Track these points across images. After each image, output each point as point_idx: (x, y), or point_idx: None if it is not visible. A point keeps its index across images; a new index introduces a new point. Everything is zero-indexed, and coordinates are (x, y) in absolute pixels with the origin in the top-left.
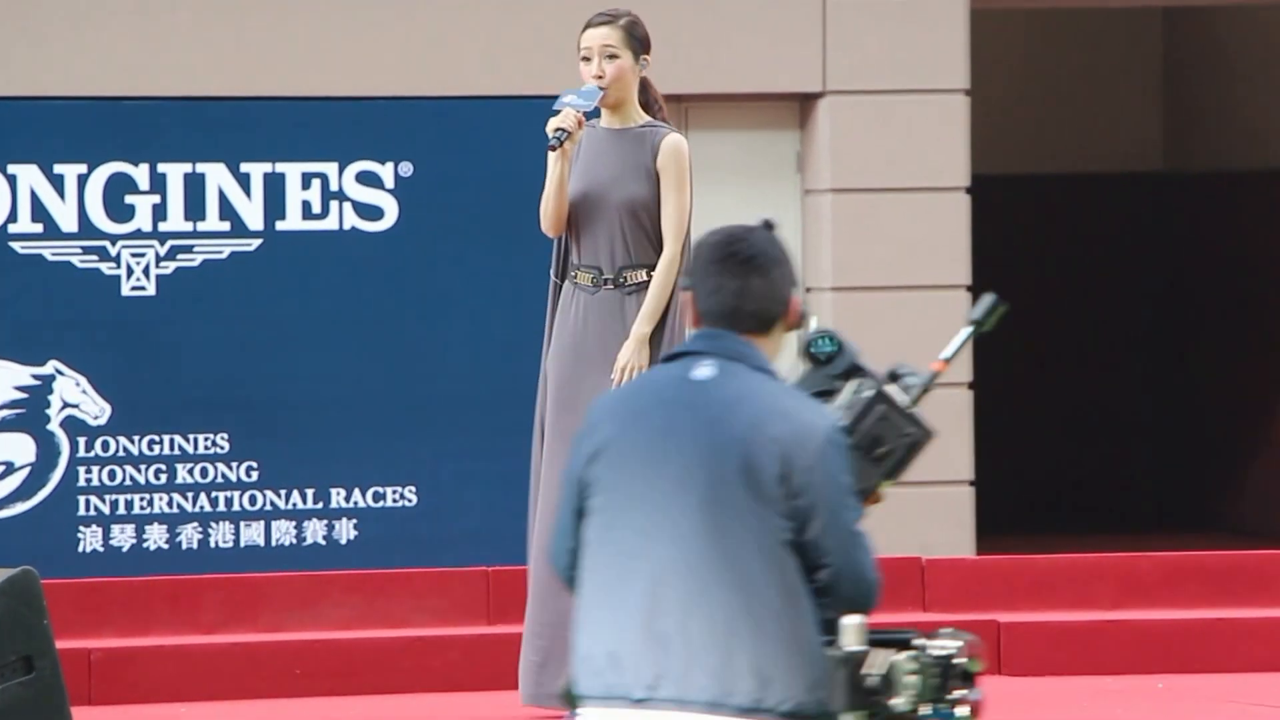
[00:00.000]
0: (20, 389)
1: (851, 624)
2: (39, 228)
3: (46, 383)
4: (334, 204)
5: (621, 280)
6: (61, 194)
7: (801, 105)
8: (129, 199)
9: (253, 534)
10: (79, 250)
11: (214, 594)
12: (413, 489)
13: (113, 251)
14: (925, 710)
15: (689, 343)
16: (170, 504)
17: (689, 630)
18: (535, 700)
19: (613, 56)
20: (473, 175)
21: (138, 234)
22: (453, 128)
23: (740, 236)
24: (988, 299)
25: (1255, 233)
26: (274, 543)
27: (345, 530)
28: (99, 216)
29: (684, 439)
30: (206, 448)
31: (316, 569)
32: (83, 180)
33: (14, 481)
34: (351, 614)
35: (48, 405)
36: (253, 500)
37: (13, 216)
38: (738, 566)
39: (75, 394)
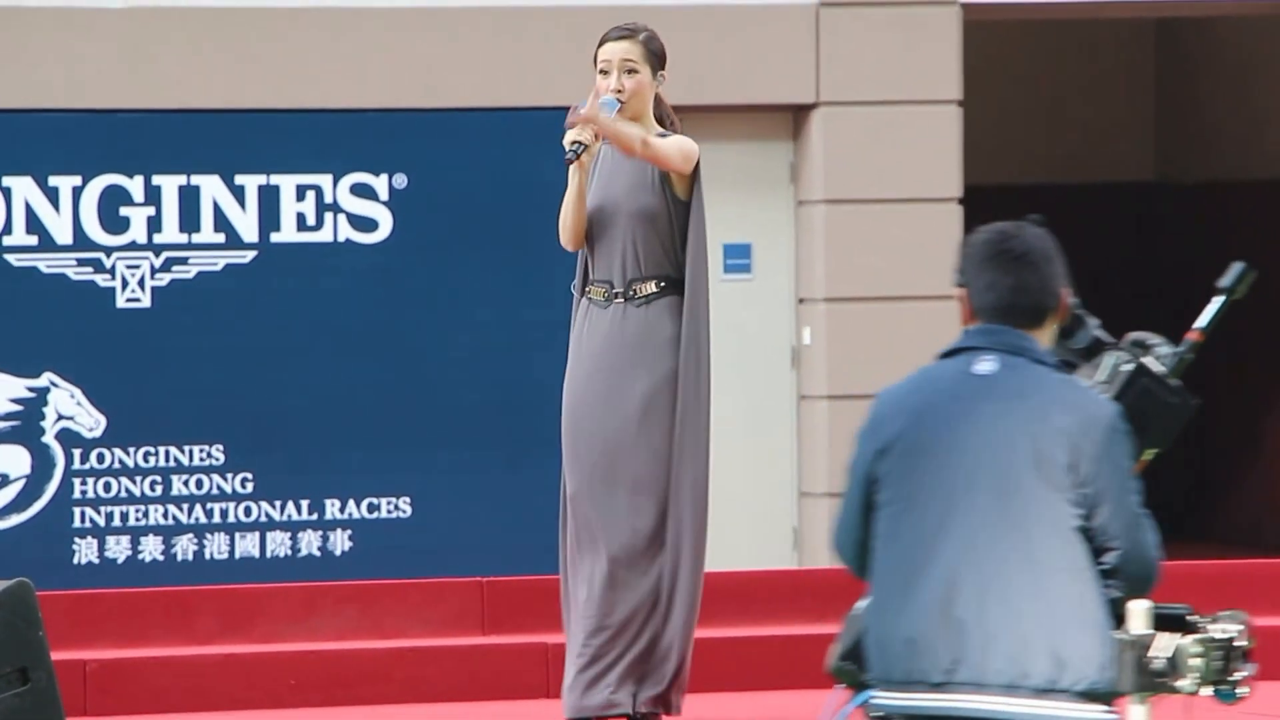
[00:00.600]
0: (15, 401)
1: (1139, 608)
2: (34, 240)
3: (41, 395)
4: (328, 216)
5: (632, 293)
6: (56, 206)
7: (795, 116)
8: (124, 211)
9: (248, 545)
10: (74, 262)
11: (209, 605)
12: (407, 500)
13: (107, 263)
14: (1207, 691)
15: (968, 338)
16: (165, 516)
17: (985, 616)
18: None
19: (632, 71)
20: (467, 187)
21: (132, 246)
22: (447, 140)
23: (1011, 233)
24: (1237, 266)
25: (1246, 242)
26: (269, 554)
27: (340, 541)
28: (94, 229)
29: (972, 432)
30: (202, 459)
31: (311, 580)
32: (77, 192)
33: (9, 493)
34: (346, 625)
35: (43, 417)
36: (248, 512)
37: (7, 229)
38: (1030, 554)
39: (70, 406)
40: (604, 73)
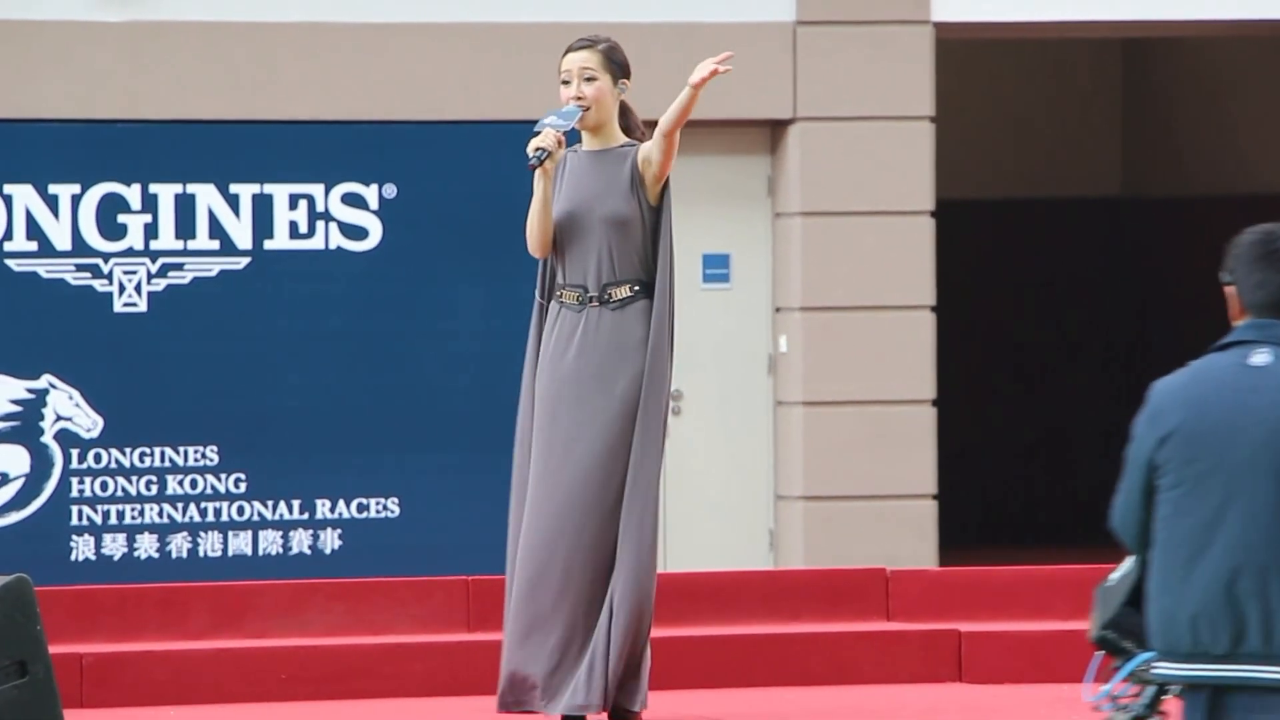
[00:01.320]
0: (15, 402)
1: None
2: (34, 246)
3: (41, 396)
4: (320, 224)
5: (607, 297)
6: (56, 213)
7: (773, 131)
8: (121, 218)
9: (240, 543)
10: (73, 268)
11: (202, 601)
12: (395, 501)
13: (105, 269)
14: None
15: (1241, 333)
16: (160, 514)
17: (1268, 593)
18: (506, 708)
19: (591, 79)
20: (454, 197)
21: (130, 252)
22: (435, 151)
23: (1278, 234)
24: None
25: (1208, 255)
26: (261, 552)
27: (330, 540)
28: (92, 235)
29: (1251, 420)
30: (196, 460)
31: (302, 578)
32: (76, 200)
33: (9, 492)
34: (336, 621)
35: (42, 418)
36: (240, 511)
37: (8, 235)
38: None
39: (68, 407)
40: (565, 83)
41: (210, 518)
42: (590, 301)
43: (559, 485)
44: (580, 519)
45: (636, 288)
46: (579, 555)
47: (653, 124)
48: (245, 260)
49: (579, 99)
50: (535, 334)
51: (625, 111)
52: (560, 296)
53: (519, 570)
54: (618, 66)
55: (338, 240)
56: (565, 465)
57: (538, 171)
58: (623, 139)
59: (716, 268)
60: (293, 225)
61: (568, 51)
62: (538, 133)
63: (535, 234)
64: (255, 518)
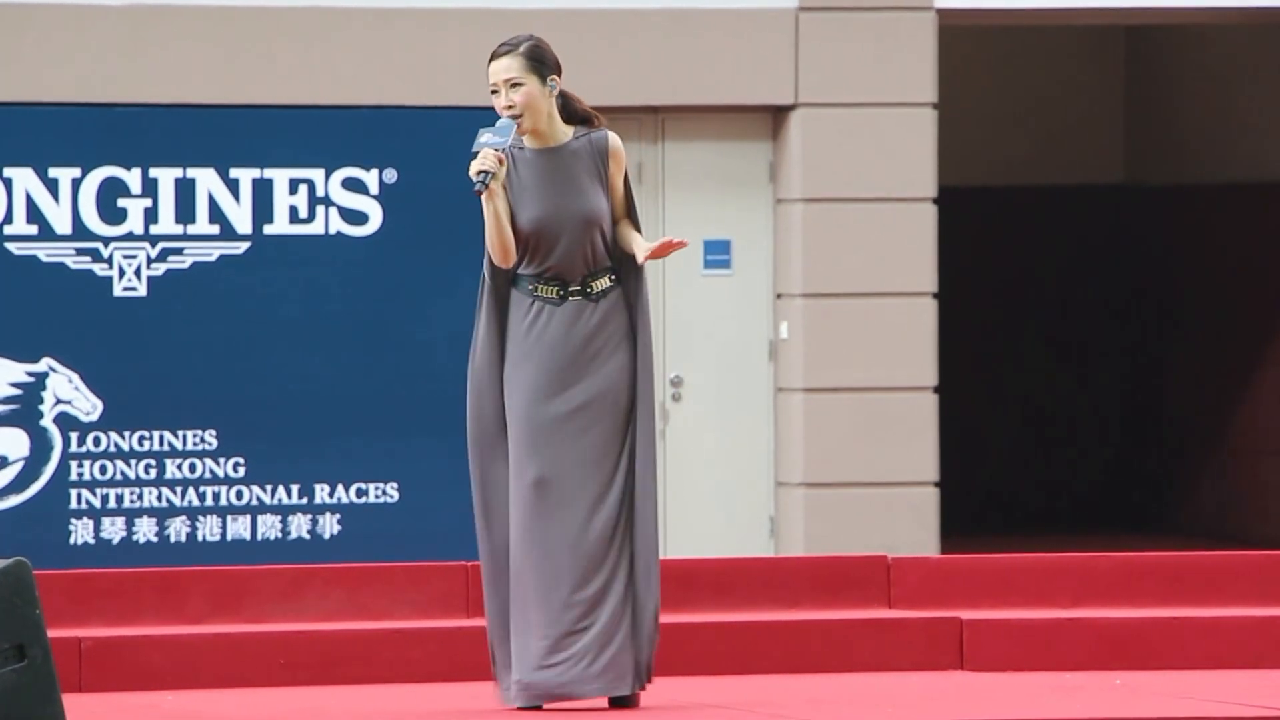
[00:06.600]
0: (15, 385)
1: None
2: (34, 229)
3: (40, 379)
4: (320, 209)
5: (589, 290)
6: (56, 197)
7: (774, 117)
8: (121, 202)
9: (239, 528)
10: (73, 251)
11: (201, 586)
12: (394, 486)
13: (105, 253)
14: None
15: None
16: (159, 498)
17: None
18: (506, 701)
19: (517, 85)
20: (454, 182)
21: (130, 236)
22: (436, 136)
23: None
24: None
25: (1210, 244)
26: (260, 537)
27: (329, 525)
28: (92, 219)
29: None
30: (195, 444)
31: (300, 562)
32: (76, 184)
33: (8, 475)
34: (334, 606)
35: (41, 401)
36: (239, 495)
37: (8, 218)
38: None
39: (68, 390)
40: (495, 93)
41: (209, 502)
42: (572, 295)
43: (570, 469)
44: (586, 497)
45: (613, 276)
46: (591, 533)
47: (649, 109)
48: (245, 245)
49: (509, 108)
50: (490, 319)
51: (567, 102)
52: (535, 290)
53: (487, 569)
54: (542, 65)
55: (338, 225)
56: (576, 449)
57: (485, 194)
58: (572, 132)
59: (718, 254)
60: (293, 210)
61: (491, 60)
62: (475, 154)
63: (498, 248)
64: (254, 502)
